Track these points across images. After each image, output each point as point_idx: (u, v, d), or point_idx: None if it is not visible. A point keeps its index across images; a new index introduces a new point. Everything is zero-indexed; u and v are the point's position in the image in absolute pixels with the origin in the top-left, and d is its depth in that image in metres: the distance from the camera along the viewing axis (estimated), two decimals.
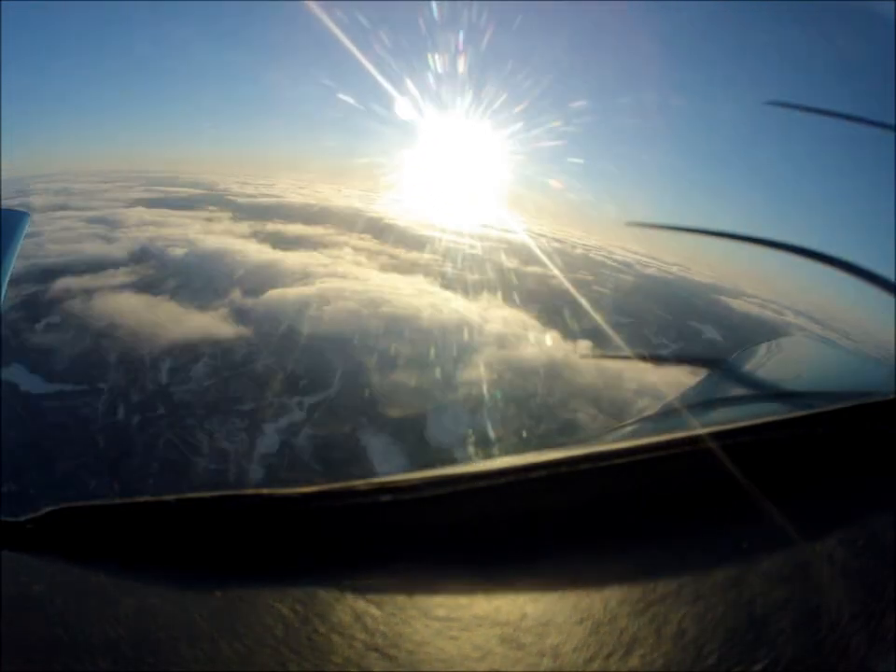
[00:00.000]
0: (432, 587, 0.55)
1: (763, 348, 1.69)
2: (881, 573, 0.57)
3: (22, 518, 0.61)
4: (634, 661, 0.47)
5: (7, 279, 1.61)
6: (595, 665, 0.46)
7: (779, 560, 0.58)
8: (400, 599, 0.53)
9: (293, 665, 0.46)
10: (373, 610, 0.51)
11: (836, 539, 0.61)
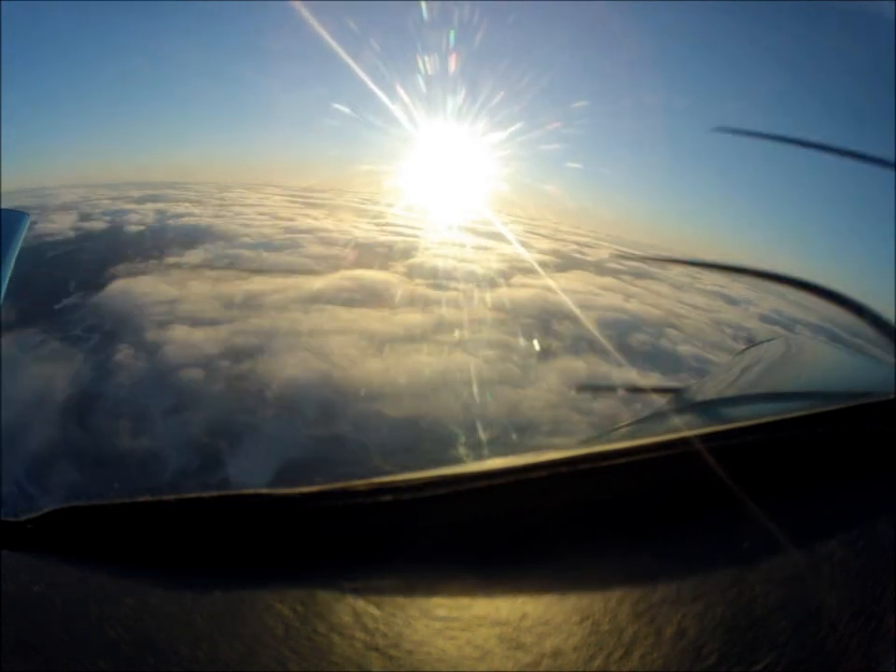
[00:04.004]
0: (432, 587, 0.55)
1: (763, 348, 1.69)
2: (881, 573, 0.57)
3: (22, 518, 0.61)
4: (634, 661, 0.47)
5: (7, 279, 1.61)
6: (595, 665, 0.46)
7: (779, 560, 0.58)
8: (400, 599, 0.53)
9: (293, 665, 0.46)
10: (373, 610, 0.51)
11: (836, 540, 0.61)
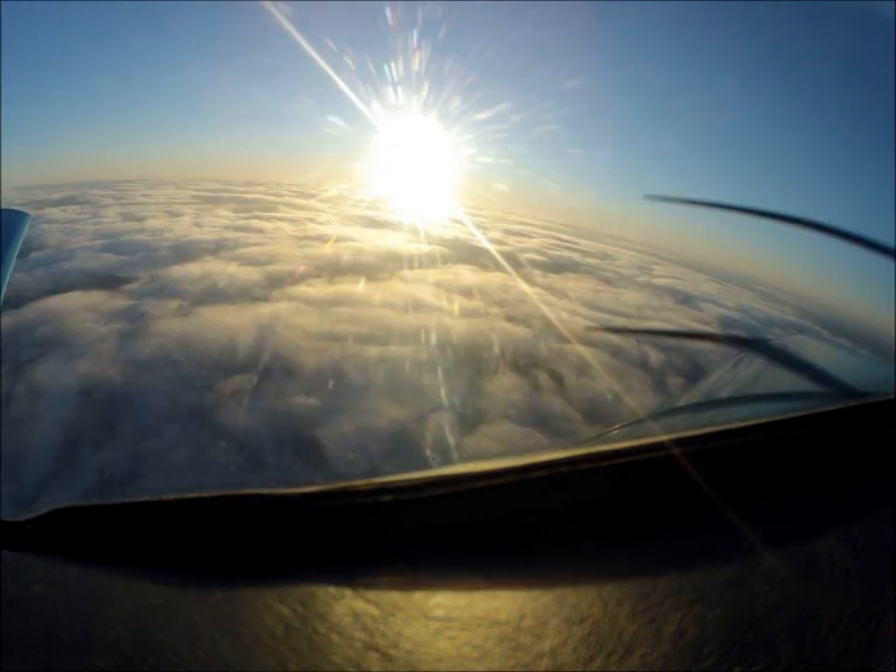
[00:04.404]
0: (432, 587, 0.55)
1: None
2: (881, 573, 0.57)
3: (22, 518, 0.61)
4: (634, 661, 0.47)
5: (7, 279, 1.61)
6: (595, 666, 0.46)
7: (779, 560, 0.58)
8: (400, 599, 0.53)
9: (293, 665, 0.46)
10: (373, 610, 0.51)
11: (836, 540, 0.61)
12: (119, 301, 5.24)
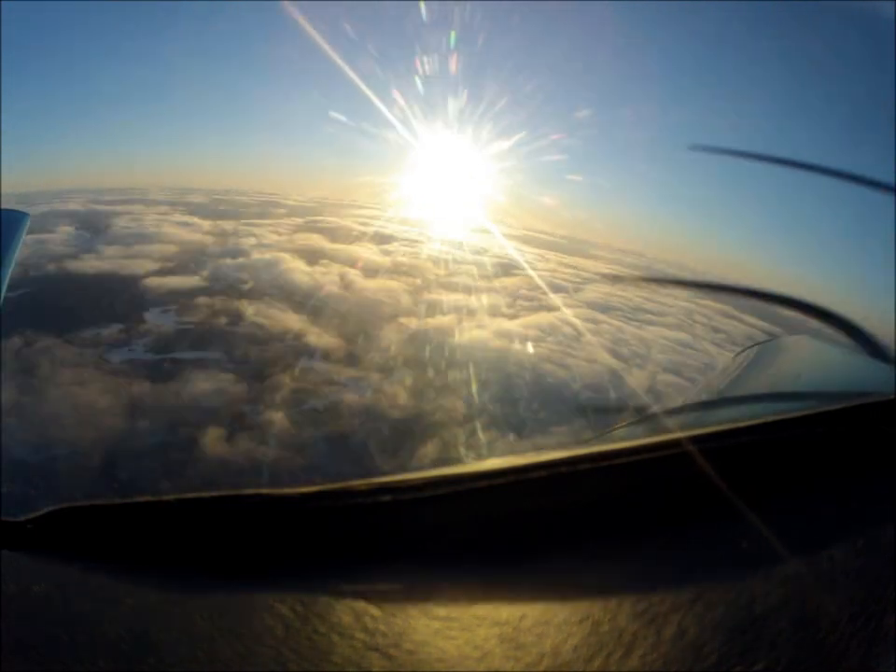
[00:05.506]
0: (432, 587, 0.55)
1: (762, 348, 1.69)
2: (881, 573, 0.57)
3: (22, 518, 0.61)
4: (634, 661, 0.47)
5: (7, 280, 1.61)
6: (595, 665, 0.46)
7: (779, 560, 0.58)
8: (400, 599, 0.53)
9: (293, 665, 0.46)
10: (373, 610, 0.51)
11: (836, 540, 0.61)
12: None
